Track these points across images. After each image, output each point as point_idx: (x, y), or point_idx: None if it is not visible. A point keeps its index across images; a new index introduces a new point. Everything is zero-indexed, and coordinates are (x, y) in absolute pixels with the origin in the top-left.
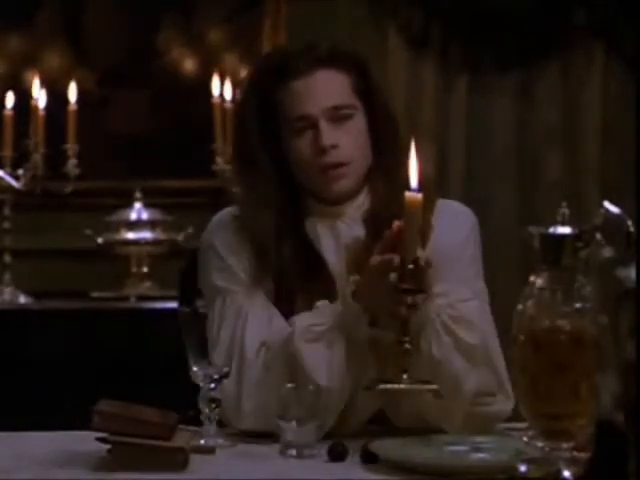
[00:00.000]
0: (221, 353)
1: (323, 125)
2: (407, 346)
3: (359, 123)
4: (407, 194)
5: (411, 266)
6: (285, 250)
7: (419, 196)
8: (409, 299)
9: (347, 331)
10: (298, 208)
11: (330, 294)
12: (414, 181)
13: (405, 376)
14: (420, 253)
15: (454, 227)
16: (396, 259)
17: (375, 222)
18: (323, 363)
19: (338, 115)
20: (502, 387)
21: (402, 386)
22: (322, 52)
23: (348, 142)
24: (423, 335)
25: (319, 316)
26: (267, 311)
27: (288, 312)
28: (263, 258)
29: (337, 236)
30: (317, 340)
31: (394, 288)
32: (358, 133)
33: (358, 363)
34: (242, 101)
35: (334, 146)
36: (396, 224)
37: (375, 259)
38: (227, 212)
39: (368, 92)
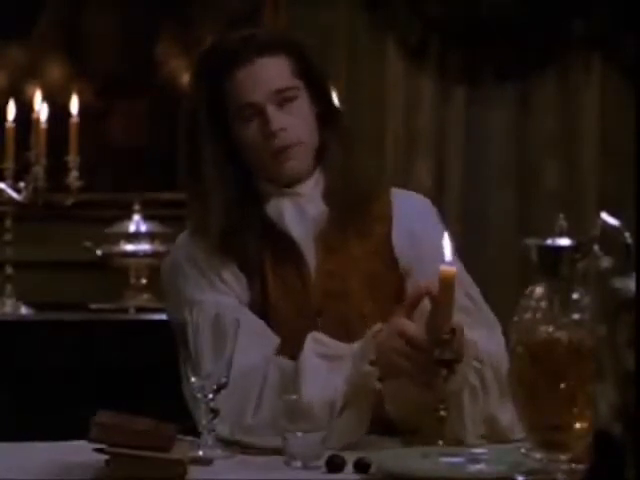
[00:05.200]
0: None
1: (270, 110)
2: (442, 413)
3: (303, 103)
4: (442, 267)
5: (447, 336)
6: (249, 236)
7: (453, 269)
8: (444, 371)
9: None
10: (255, 194)
11: (300, 269)
12: (448, 255)
13: (441, 442)
14: (453, 323)
15: (427, 223)
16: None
17: (334, 197)
18: (318, 380)
19: (283, 98)
20: None
21: None
22: (260, 40)
23: (295, 123)
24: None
25: (338, 345)
26: (238, 312)
27: (262, 297)
28: (227, 249)
29: (301, 211)
30: (323, 358)
31: (428, 360)
32: (303, 113)
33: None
34: (191, 96)
35: (282, 129)
36: (421, 290)
37: (400, 322)
38: (180, 237)
39: (308, 73)
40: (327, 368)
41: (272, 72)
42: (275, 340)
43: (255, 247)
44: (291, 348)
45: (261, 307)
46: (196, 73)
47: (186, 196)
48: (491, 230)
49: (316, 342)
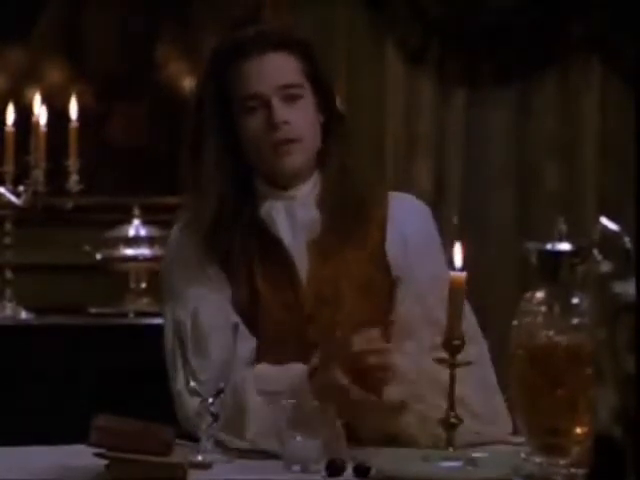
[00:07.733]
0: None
1: (275, 102)
2: (453, 420)
3: (309, 105)
4: (452, 273)
5: (457, 342)
6: (236, 235)
7: (463, 275)
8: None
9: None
10: (251, 193)
11: (289, 274)
12: (458, 261)
13: (451, 449)
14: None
15: (421, 231)
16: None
17: (328, 205)
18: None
19: (289, 94)
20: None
21: None
22: (271, 36)
23: (299, 119)
24: None
25: (278, 380)
26: (219, 310)
27: (251, 299)
28: (213, 246)
29: (292, 216)
30: (264, 395)
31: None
32: (308, 113)
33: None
34: (199, 91)
35: (286, 122)
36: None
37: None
38: (174, 229)
39: (316, 75)
40: (268, 407)
41: (279, 67)
42: (252, 342)
43: (240, 247)
44: (279, 352)
45: (249, 309)
46: (205, 67)
47: (183, 188)
48: (491, 230)
49: (257, 378)
